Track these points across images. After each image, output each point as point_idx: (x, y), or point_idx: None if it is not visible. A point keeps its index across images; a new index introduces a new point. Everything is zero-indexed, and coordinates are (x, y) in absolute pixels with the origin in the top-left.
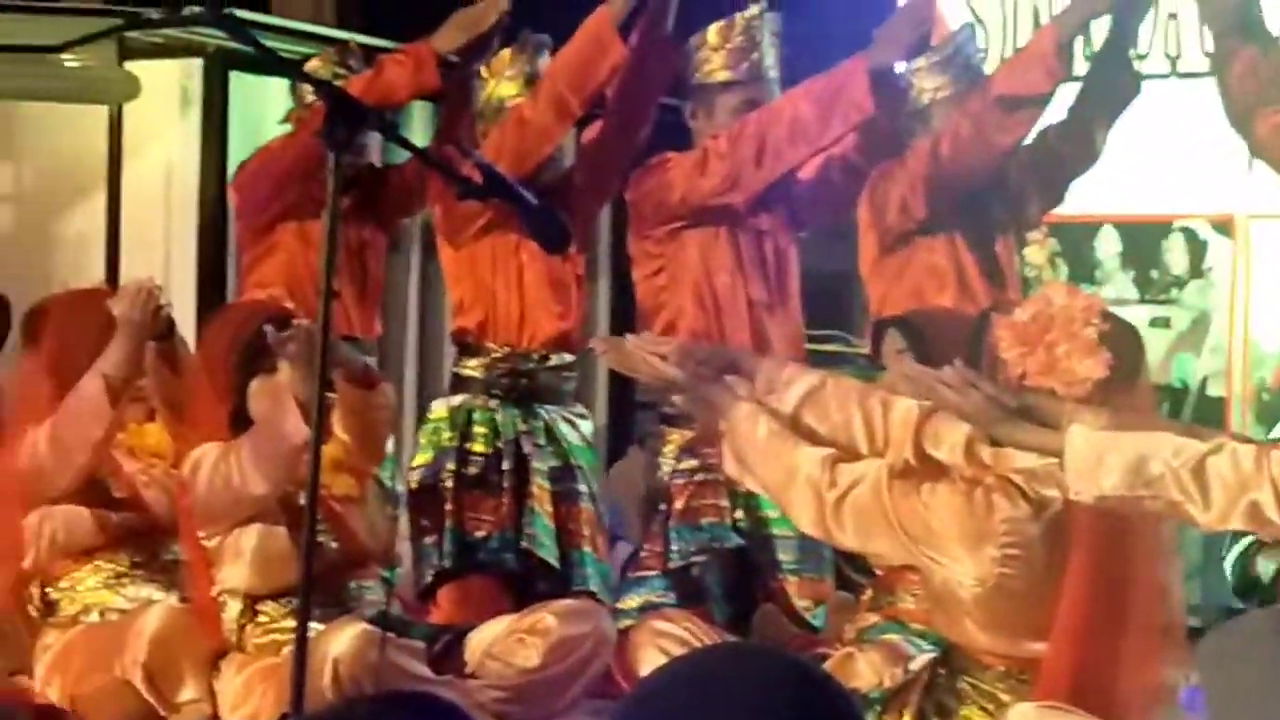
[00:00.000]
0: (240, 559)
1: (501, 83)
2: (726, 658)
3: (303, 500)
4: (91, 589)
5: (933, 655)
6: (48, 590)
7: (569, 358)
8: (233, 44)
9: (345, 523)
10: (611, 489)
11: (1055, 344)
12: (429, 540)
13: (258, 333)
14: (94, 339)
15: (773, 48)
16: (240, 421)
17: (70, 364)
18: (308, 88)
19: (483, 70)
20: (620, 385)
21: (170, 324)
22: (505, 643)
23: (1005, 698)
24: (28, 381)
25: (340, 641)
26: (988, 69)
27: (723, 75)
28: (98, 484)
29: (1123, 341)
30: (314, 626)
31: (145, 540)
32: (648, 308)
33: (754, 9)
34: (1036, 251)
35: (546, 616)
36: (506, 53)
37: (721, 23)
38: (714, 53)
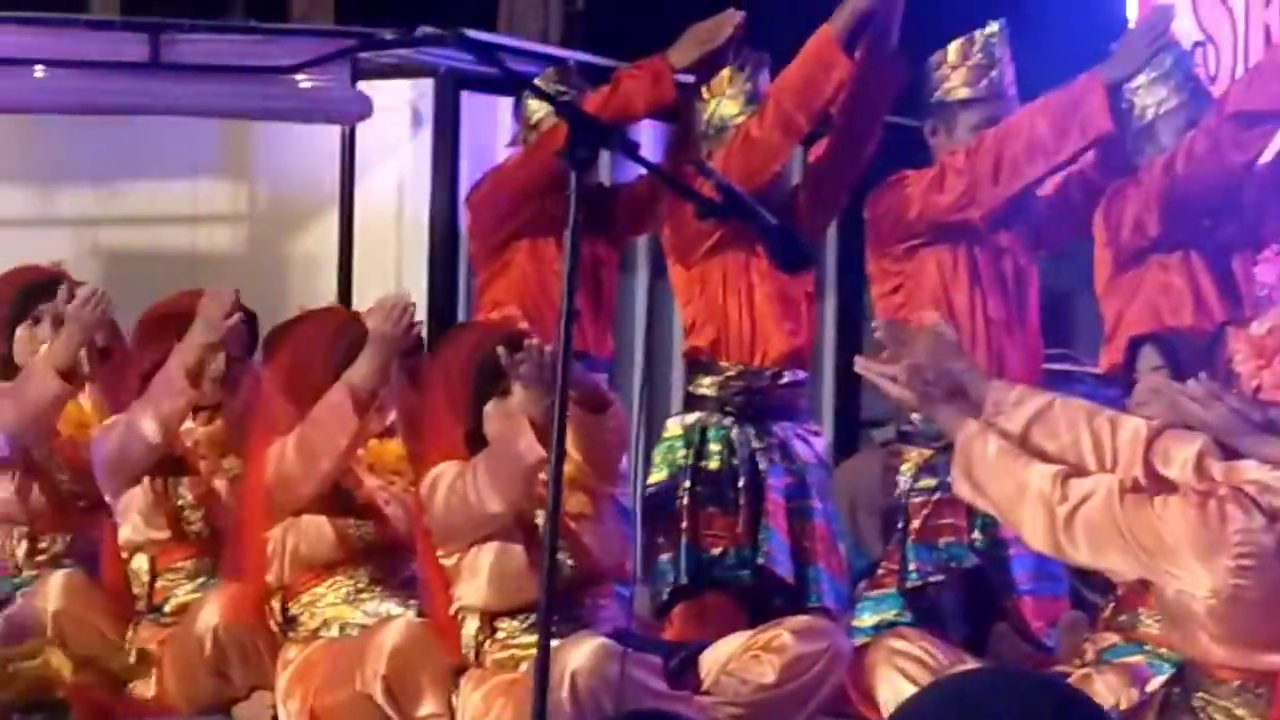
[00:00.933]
0: (477, 577)
1: (723, 102)
2: (986, 682)
3: (539, 519)
4: (331, 604)
5: (1169, 674)
6: (288, 606)
7: (801, 375)
8: (463, 64)
9: (580, 540)
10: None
11: None
12: (665, 557)
13: (492, 354)
14: (331, 357)
15: (1010, 64)
16: (476, 442)
17: (306, 382)
18: (534, 107)
19: (704, 90)
20: (846, 401)
21: (419, 342)
22: (741, 659)
23: (1241, 712)
24: (268, 399)
25: (579, 655)
26: (1217, 87)
27: (963, 93)
28: (339, 495)
29: None
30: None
31: (384, 556)
32: None
33: (993, 26)
34: (1269, 270)
35: (783, 633)
36: (726, 72)
37: (961, 40)
38: (954, 70)
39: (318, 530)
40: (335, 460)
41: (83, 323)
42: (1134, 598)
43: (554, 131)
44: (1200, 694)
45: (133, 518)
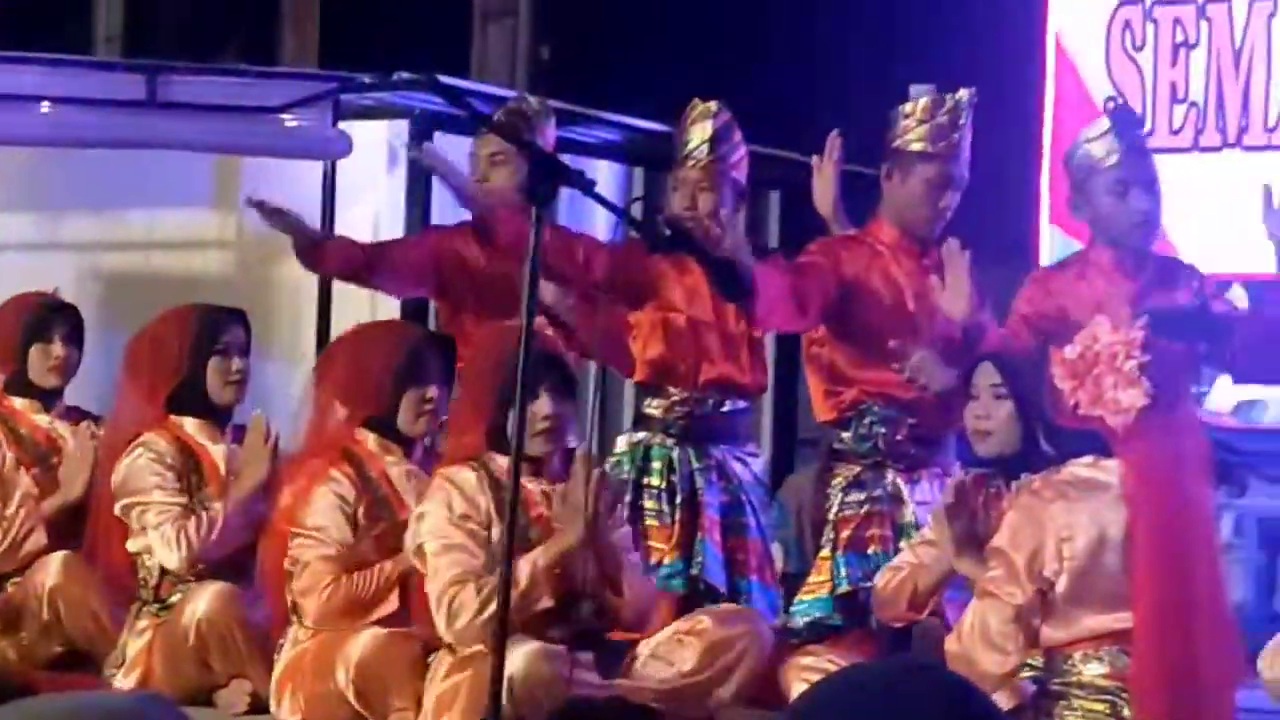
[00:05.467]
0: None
1: (690, 130)
2: (880, 674)
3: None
4: None
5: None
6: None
7: (742, 404)
8: (436, 106)
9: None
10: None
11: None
12: None
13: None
14: (391, 365)
15: (969, 130)
16: (499, 439)
17: (365, 390)
18: (490, 146)
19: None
20: (784, 420)
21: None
22: (668, 643)
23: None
24: (322, 410)
25: (515, 660)
26: None
27: (919, 146)
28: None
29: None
30: None
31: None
32: None
33: (963, 93)
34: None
35: (704, 618)
36: (700, 105)
37: (931, 97)
38: (919, 124)
39: None
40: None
41: None
42: None
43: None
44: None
45: (152, 542)
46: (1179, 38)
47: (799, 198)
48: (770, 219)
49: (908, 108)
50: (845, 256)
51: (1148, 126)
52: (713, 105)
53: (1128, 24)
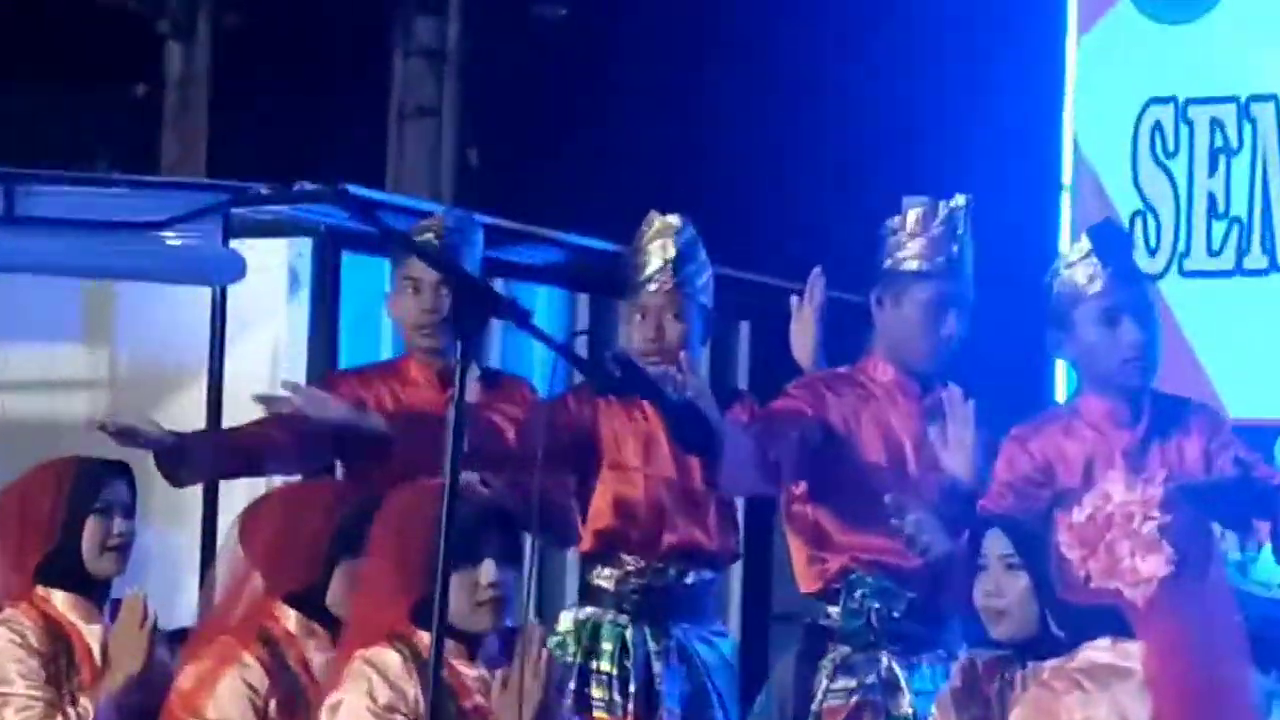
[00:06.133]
0: None
1: (649, 251)
2: None
3: None
4: None
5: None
6: None
7: (709, 575)
8: (345, 222)
9: None
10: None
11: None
12: None
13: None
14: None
15: (971, 241)
16: (424, 616)
17: (415, 551)
18: (409, 269)
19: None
20: (755, 594)
21: None
22: None
23: None
24: (378, 577)
25: None
26: (1157, 261)
27: (915, 264)
28: None
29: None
30: None
31: None
32: None
33: (959, 199)
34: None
35: None
36: (658, 221)
37: (922, 208)
38: (911, 239)
39: None
40: None
41: None
42: None
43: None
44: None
45: None
46: (1218, 142)
47: (771, 329)
48: (738, 353)
49: (896, 221)
50: (832, 400)
51: (1182, 245)
52: (674, 219)
53: (1158, 126)
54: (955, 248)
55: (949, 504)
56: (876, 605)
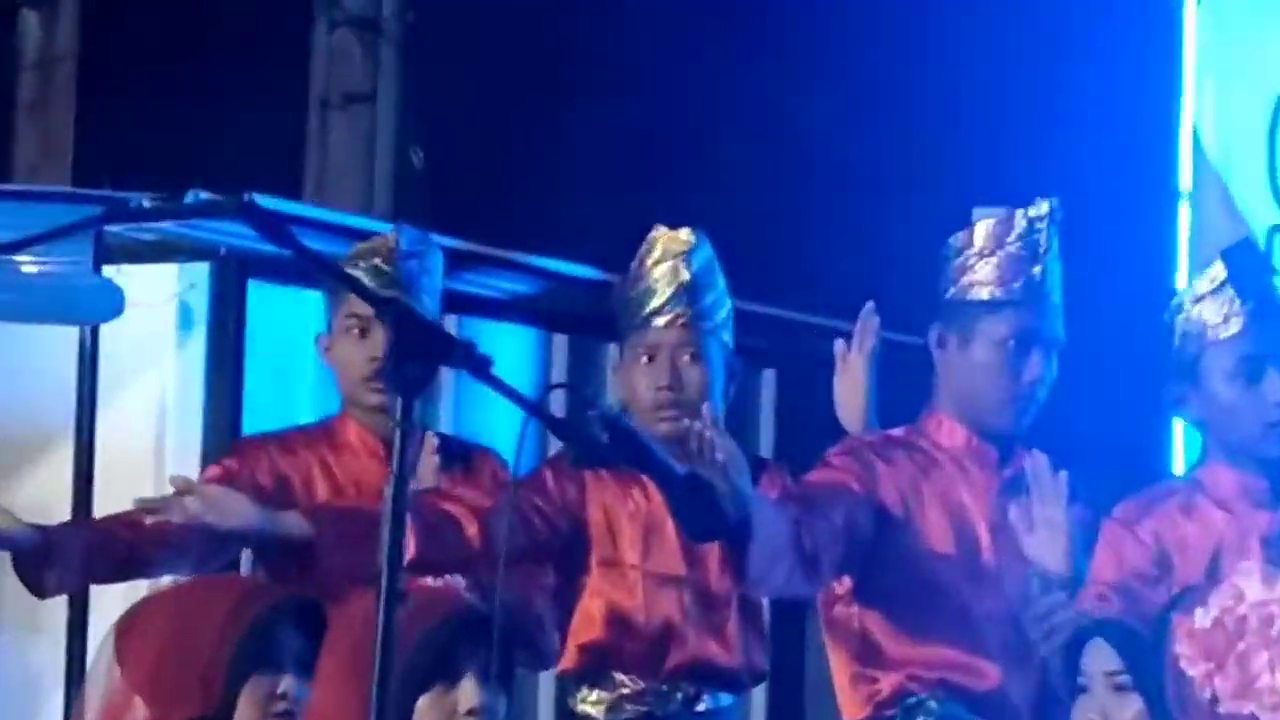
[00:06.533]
0: None
1: (653, 273)
2: None
3: None
4: None
5: None
6: None
7: (726, 699)
8: (253, 243)
9: None
10: None
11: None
12: None
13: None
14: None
15: (1059, 258)
16: None
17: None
18: (346, 306)
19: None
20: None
21: None
22: None
23: None
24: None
25: None
26: None
27: (989, 292)
28: None
29: None
30: None
31: None
32: None
33: (1043, 205)
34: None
35: None
36: (664, 233)
37: (994, 220)
38: (981, 260)
39: None
40: None
41: None
42: None
43: None
44: None
45: None
46: None
47: (802, 379)
48: (761, 409)
49: (962, 238)
50: (885, 471)
51: None
52: (685, 234)
53: None
54: (1038, 269)
55: (1036, 605)
56: None
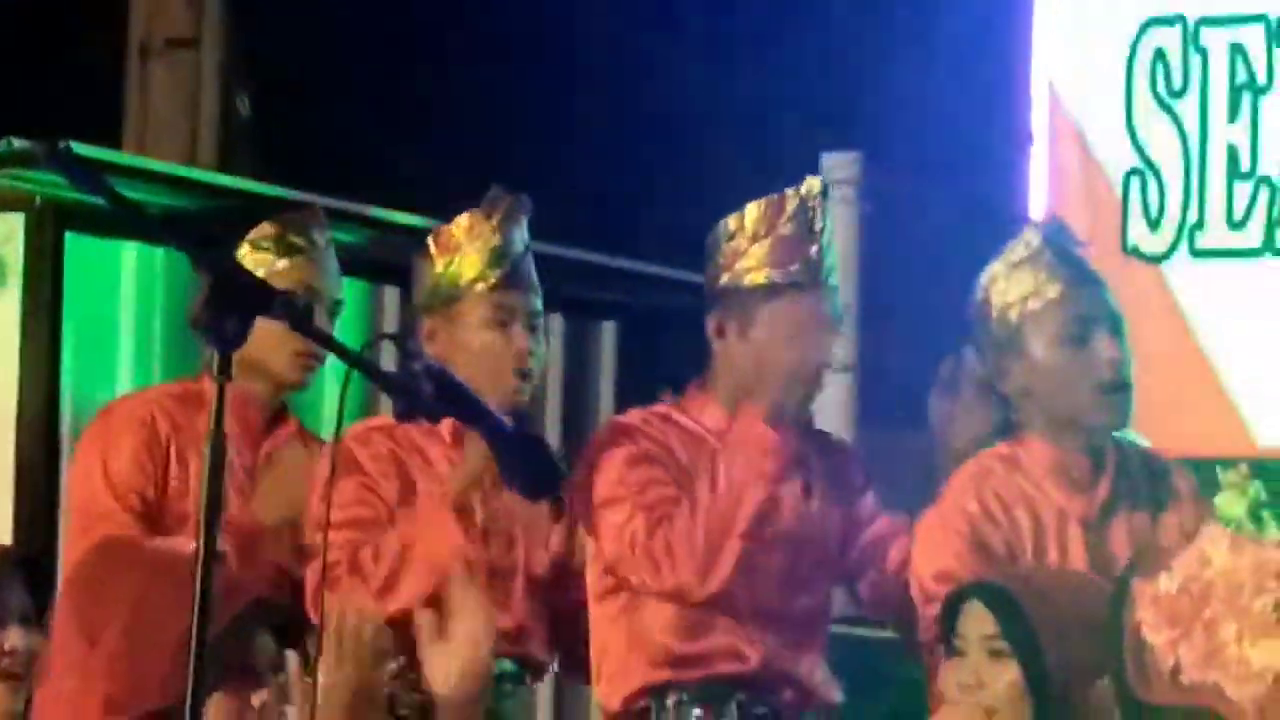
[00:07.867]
0: None
1: (458, 259)
2: None
3: None
4: None
5: None
6: None
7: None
8: (70, 193)
9: None
10: None
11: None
12: None
13: None
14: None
15: (834, 243)
16: None
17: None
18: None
19: (431, 244)
20: None
21: None
22: None
23: None
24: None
25: None
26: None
27: (762, 276)
28: None
29: None
30: None
31: None
32: None
33: (813, 183)
34: (1234, 499)
35: None
36: (465, 219)
37: (764, 201)
38: (752, 244)
39: None
40: None
41: None
42: None
43: None
44: None
45: None
46: (1241, 76)
47: (641, 329)
48: (602, 362)
49: (732, 222)
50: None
51: (1194, 215)
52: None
53: (1160, 55)
54: (814, 249)
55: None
56: None
